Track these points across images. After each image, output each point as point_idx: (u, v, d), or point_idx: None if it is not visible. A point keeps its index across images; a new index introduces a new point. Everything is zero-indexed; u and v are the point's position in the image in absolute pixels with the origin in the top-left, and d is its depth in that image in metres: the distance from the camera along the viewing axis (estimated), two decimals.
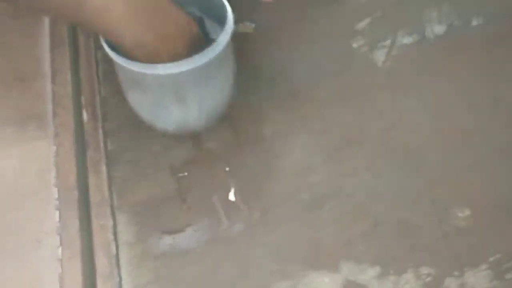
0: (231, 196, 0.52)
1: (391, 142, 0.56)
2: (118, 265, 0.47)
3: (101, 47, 0.49)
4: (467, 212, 0.51)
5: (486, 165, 0.53)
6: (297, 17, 0.65)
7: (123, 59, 0.47)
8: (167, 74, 0.46)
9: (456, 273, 0.48)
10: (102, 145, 0.55)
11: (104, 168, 0.54)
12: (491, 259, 0.48)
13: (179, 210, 0.52)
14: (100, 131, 0.56)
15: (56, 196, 0.51)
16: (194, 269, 0.49)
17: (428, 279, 0.47)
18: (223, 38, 0.47)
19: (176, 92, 0.49)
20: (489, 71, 0.60)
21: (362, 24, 0.64)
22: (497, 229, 0.50)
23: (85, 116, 0.57)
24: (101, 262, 0.47)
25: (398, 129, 0.56)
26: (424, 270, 0.48)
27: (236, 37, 0.57)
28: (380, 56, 0.61)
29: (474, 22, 0.63)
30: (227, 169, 0.54)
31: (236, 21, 0.49)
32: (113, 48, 0.47)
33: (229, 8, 0.49)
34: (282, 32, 0.63)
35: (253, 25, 0.64)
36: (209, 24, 0.52)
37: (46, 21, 0.64)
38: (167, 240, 0.50)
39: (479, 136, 0.56)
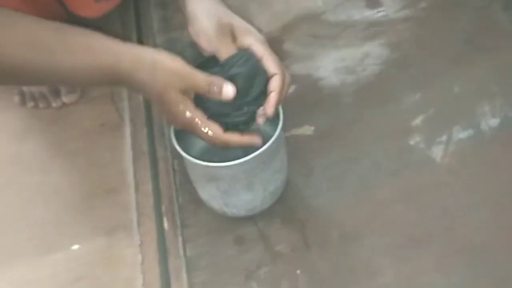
0: None
1: (457, 240, 0.57)
2: None
3: (178, 157, 0.55)
4: None
5: None
6: (354, 118, 0.69)
7: (199, 161, 0.54)
8: (238, 164, 0.53)
9: None
10: (182, 252, 0.60)
11: (184, 275, 0.58)
12: None
13: None
14: (180, 238, 0.62)
15: None
16: None
17: None
18: (279, 129, 0.56)
19: (246, 178, 0.56)
20: None
21: (417, 121, 0.67)
22: None
23: (166, 224, 0.63)
24: None
25: (463, 227, 0.58)
26: None
27: (296, 139, 0.62)
28: (437, 152, 0.64)
29: None
30: (298, 272, 0.57)
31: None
32: (187, 151, 0.56)
33: (280, 106, 0.57)
34: (340, 134, 0.68)
35: (312, 128, 0.69)
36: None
37: (128, 134, 0.73)
38: None
39: None
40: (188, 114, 0.52)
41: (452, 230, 0.58)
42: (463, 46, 0.74)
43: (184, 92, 0.52)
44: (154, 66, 0.51)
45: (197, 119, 0.52)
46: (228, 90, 0.52)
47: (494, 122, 0.65)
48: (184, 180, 0.65)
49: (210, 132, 0.52)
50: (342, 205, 0.62)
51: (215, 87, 0.52)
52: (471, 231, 0.57)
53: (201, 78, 0.52)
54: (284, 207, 0.62)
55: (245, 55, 0.54)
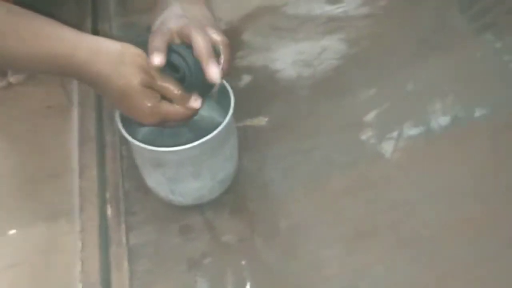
0: None
1: (403, 234, 0.57)
2: None
3: (126, 143, 0.53)
4: None
5: (497, 258, 0.54)
6: (308, 111, 0.69)
7: (145, 145, 0.52)
8: (185, 149, 0.52)
9: None
10: (124, 240, 0.58)
11: (126, 263, 0.56)
12: None
13: None
14: (123, 226, 0.59)
15: None
16: None
17: None
18: (229, 116, 0.55)
19: (193, 165, 0.54)
20: (495, 160, 0.63)
21: (370, 117, 0.67)
22: None
23: (109, 211, 0.61)
24: None
25: (410, 221, 0.58)
26: None
27: (249, 130, 0.61)
28: (388, 147, 0.64)
29: (477, 113, 0.66)
30: (243, 262, 0.56)
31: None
32: (134, 135, 0.54)
33: (231, 93, 0.56)
34: (294, 126, 0.67)
35: (266, 119, 0.69)
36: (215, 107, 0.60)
37: (75, 117, 0.70)
38: None
39: (489, 227, 0.57)
40: (156, 104, 0.51)
41: (398, 224, 0.58)
42: (419, 45, 0.75)
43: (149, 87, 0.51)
44: (121, 59, 0.49)
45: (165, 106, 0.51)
46: (197, 103, 0.52)
47: (444, 120, 0.66)
48: (132, 167, 0.63)
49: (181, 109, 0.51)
50: (292, 197, 0.61)
51: (183, 96, 0.51)
52: (417, 225, 0.58)
53: (173, 84, 0.51)
54: (234, 197, 0.61)
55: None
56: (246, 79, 0.73)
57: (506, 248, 0.55)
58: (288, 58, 0.75)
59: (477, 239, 0.56)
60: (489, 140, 0.64)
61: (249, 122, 0.68)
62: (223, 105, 0.56)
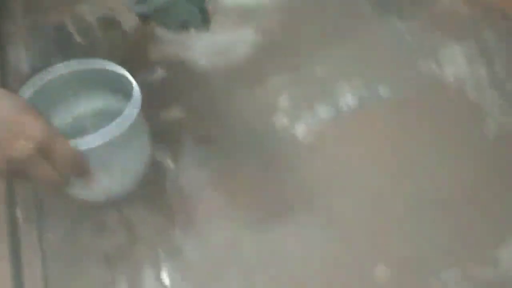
0: (164, 279, 0.54)
1: (317, 214, 0.59)
2: None
3: None
4: (383, 267, 0.54)
5: (398, 224, 0.58)
6: (223, 100, 0.70)
7: None
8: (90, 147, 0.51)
9: None
10: (37, 242, 0.57)
11: (39, 266, 0.55)
12: None
13: None
14: (35, 228, 0.58)
15: None
16: None
17: None
18: (134, 109, 0.54)
19: (102, 161, 0.54)
20: (400, 135, 0.66)
21: (282, 102, 0.69)
22: (412, 282, 0.53)
23: (19, 213, 0.59)
24: None
25: (322, 200, 0.60)
26: None
27: (163, 121, 0.60)
28: (300, 130, 0.66)
29: (381, 92, 0.70)
30: (161, 254, 0.56)
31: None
32: None
33: (135, 84, 0.55)
34: (208, 115, 0.68)
35: (180, 109, 0.69)
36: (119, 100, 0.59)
37: None
38: None
39: (396, 201, 0.60)
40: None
41: (312, 202, 0.60)
42: (329, 32, 0.77)
43: None
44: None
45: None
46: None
47: (352, 101, 0.69)
48: None
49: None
50: (208, 185, 0.62)
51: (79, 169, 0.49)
52: (329, 204, 0.60)
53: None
54: (149, 190, 0.61)
55: None
56: (159, 72, 0.72)
57: (404, 217, 0.58)
58: (202, 49, 0.75)
59: (385, 214, 0.59)
60: (394, 115, 0.68)
61: (163, 114, 0.68)
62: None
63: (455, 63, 0.72)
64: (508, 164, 0.63)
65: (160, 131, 0.65)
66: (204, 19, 0.70)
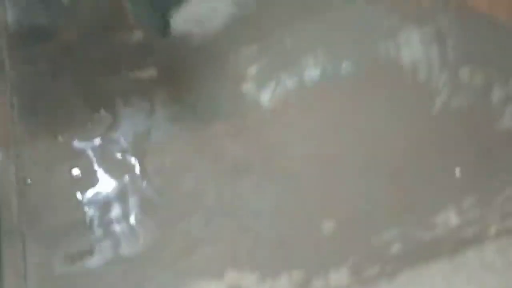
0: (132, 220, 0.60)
1: (275, 170, 0.65)
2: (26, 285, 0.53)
3: None
4: (332, 223, 0.61)
5: (347, 186, 0.65)
6: (196, 66, 0.75)
7: None
8: None
9: (321, 273, 0.57)
10: (14, 178, 0.61)
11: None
12: (350, 261, 0.58)
13: None
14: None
15: None
16: None
17: (299, 280, 0.56)
18: None
19: None
20: (355, 109, 0.72)
21: (251, 70, 0.75)
22: (356, 237, 0.60)
23: None
24: (11, 281, 0.53)
25: (281, 159, 0.66)
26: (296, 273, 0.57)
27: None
28: (266, 97, 0.72)
29: (343, 68, 0.76)
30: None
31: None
32: None
33: None
34: (183, 79, 0.73)
35: (155, 73, 0.73)
36: None
37: None
38: None
39: (349, 164, 0.66)
40: None
41: (271, 161, 0.66)
42: (300, 9, 0.83)
43: None
44: None
45: None
46: None
47: (315, 74, 0.75)
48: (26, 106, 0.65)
49: None
50: (175, 138, 0.67)
51: None
52: (286, 164, 0.66)
53: None
54: None
55: None
56: (137, 34, 0.77)
57: (354, 180, 0.65)
58: (179, 17, 0.80)
59: (336, 176, 0.65)
60: (352, 90, 0.74)
61: (139, 73, 0.72)
62: None
63: (412, 46, 0.79)
64: (450, 138, 0.70)
65: (136, 88, 0.70)
66: (164, 26, 0.73)
